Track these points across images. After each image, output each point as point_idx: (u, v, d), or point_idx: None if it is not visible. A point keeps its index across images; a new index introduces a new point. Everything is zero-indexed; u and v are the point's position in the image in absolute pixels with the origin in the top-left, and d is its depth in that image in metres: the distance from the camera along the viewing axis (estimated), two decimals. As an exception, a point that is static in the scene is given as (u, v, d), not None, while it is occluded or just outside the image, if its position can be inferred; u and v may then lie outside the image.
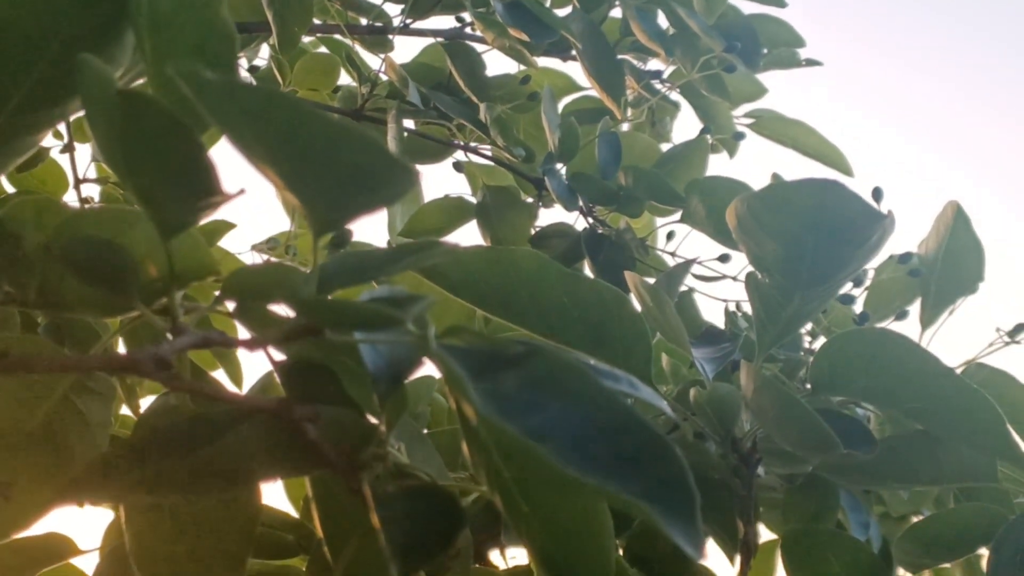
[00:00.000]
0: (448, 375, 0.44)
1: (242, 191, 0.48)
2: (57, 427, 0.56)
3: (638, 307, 0.78)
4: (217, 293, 0.53)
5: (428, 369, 1.25)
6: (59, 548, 0.85)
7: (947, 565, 1.00)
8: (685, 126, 1.42)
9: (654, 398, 0.49)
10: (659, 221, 1.25)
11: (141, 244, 0.52)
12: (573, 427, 0.41)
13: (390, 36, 1.26)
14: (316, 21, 1.25)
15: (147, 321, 0.53)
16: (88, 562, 0.91)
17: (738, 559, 0.88)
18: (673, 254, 1.21)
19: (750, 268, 0.77)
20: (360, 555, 0.56)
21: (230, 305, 0.54)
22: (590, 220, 1.18)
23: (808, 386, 0.82)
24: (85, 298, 0.52)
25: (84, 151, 1.19)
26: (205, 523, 0.55)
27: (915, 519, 1.11)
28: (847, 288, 1.09)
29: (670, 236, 1.26)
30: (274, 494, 1.20)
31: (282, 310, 0.54)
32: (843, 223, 0.66)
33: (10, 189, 1.15)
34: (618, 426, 0.42)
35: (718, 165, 1.90)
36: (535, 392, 0.43)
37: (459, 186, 1.35)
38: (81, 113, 0.53)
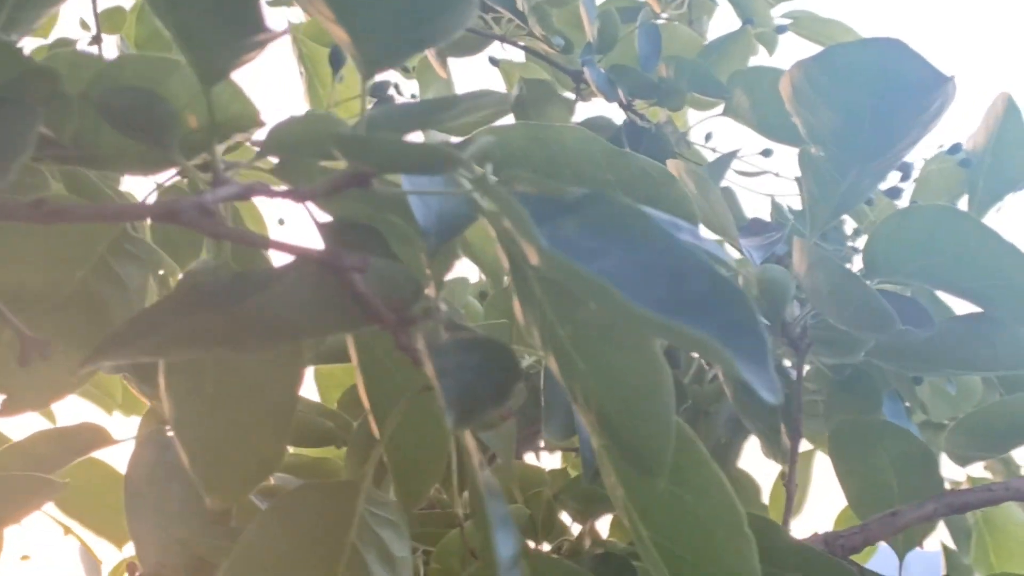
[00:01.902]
0: (510, 215, 0.41)
1: (287, 30, 0.46)
2: (94, 290, 0.54)
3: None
4: (258, 150, 0.51)
5: (463, 270, 1.23)
6: (93, 437, 0.84)
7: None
8: (721, 27, 1.38)
9: (716, 249, 0.46)
10: (700, 115, 1.22)
11: (181, 93, 0.49)
12: (637, 271, 0.39)
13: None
14: None
15: (188, 179, 0.51)
16: (122, 452, 0.90)
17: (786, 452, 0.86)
18: (714, 150, 1.18)
19: (793, 161, 0.74)
20: (406, 420, 0.54)
21: (273, 161, 0.52)
22: (630, 114, 1.15)
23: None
24: (123, 150, 0.50)
25: (111, 43, 1.17)
26: (247, 389, 0.53)
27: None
28: (894, 181, 1.06)
29: (708, 138, 1.23)
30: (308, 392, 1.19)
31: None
32: (906, 86, 0.63)
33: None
34: (684, 270, 0.40)
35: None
36: (597, 237, 0.41)
37: (495, 85, 1.32)
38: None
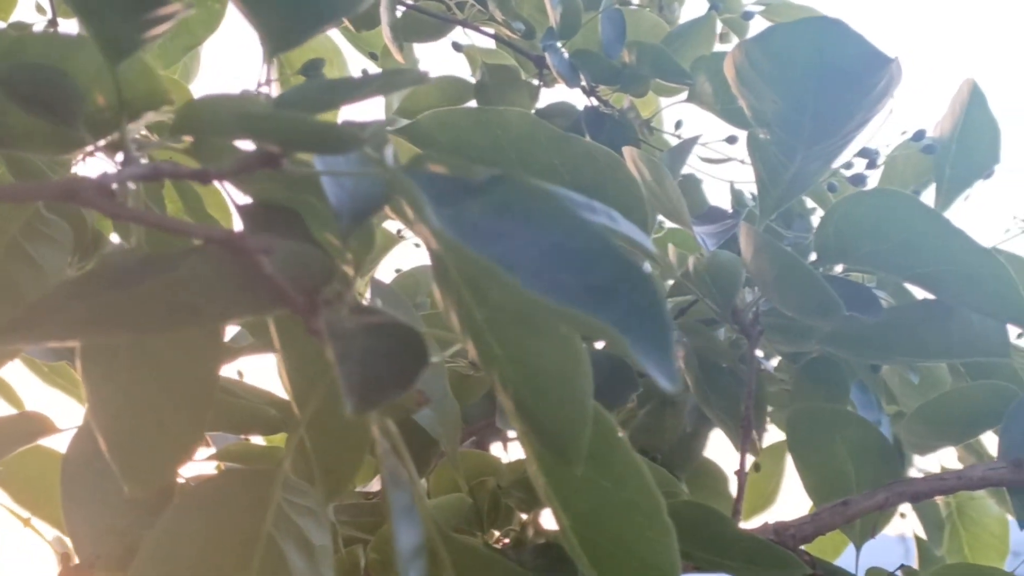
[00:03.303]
0: (405, 196, 0.40)
1: (191, 5, 0.44)
2: (7, 273, 0.52)
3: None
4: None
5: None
6: (35, 426, 0.83)
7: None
8: (693, 13, 1.37)
9: (636, 233, 0.45)
10: (664, 102, 1.21)
11: (88, 71, 0.48)
12: (542, 255, 0.38)
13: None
14: None
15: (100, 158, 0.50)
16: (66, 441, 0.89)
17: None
18: (679, 136, 1.17)
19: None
20: (328, 407, 0.53)
21: (187, 140, 0.51)
22: (593, 100, 1.14)
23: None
24: (31, 130, 0.49)
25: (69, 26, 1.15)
26: (163, 374, 0.52)
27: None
28: (860, 168, 1.05)
29: (678, 125, 1.22)
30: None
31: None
32: (847, 68, 0.62)
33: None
34: (591, 255, 0.39)
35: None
36: (501, 219, 0.40)
37: (458, 70, 1.31)
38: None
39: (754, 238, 0.68)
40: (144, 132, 0.55)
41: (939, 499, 1.15)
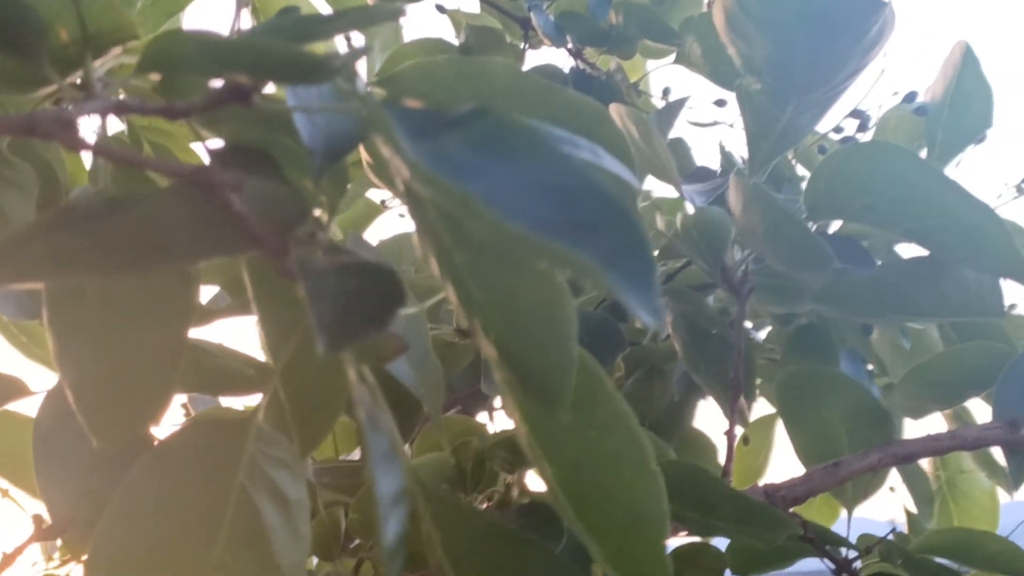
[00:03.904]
0: (380, 127, 0.38)
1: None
2: (-31, 220, 0.51)
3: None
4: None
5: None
6: (7, 389, 0.81)
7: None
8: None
9: (619, 168, 0.43)
10: (652, 64, 1.19)
11: (50, 3, 0.46)
12: (523, 191, 0.36)
13: None
14: None
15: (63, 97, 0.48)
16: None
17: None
18: (666, 99, 1.15)
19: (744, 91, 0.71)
20: (303, 356, 0.51)
21: (155, 78, 0.49)
22: (579, 62, 1.12)
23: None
24: (-9, 67, 0.47)
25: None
26: (132, 325, 0.50)
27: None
28: (851, 130, 1.03)
29: (666, 92, 1.20)
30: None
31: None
32: (839, 11, 0.60)
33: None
34: (573, 191, 0.37)
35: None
36: (480, 154, 0.38)
37: (443, 32, 1.29)
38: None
39: (744, 191, 0.67)
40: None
41: (930, 472, 1.14)
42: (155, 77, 0.48)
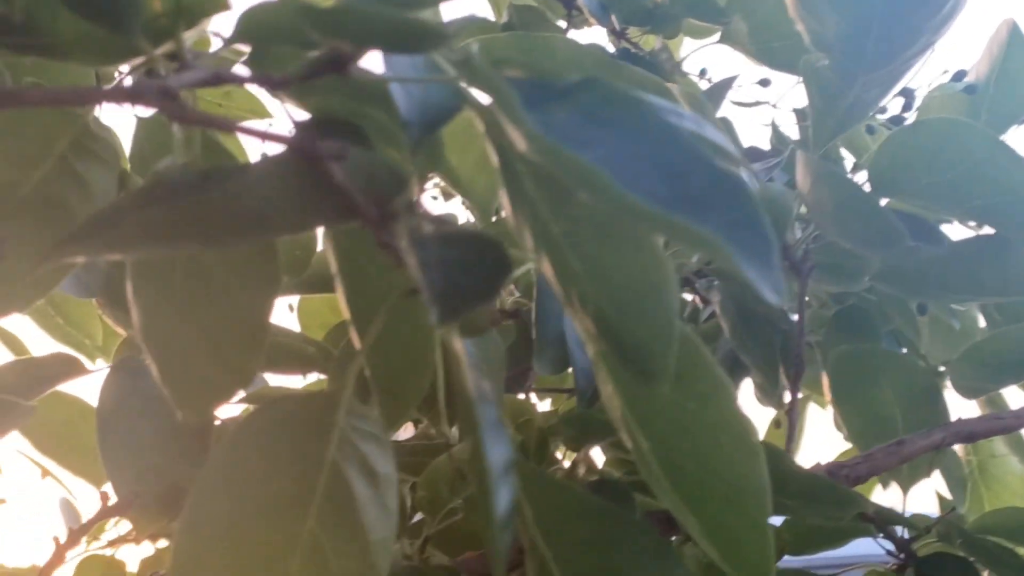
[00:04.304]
0: (497, 98, 0.38)
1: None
2: (55, 192, 0.50)
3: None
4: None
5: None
6: (66, 367, 0.81)
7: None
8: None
9: (720, 138, 0.43)
10: (697, 44, 1.18)
11: (143, -26, 0.46)
12: (632, 164, 0.36)
13: None
14: None
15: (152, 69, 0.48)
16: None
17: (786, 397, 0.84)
18: (709, 80, 1.15)
19: (792, 90, 0.71)
20: (388, 330, 0.51)
21: (245, 49, 0.48)
22: (623, 42, 1.12)
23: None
24: (84, 37, 0.46)
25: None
26: (219, 297, 0.50)
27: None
28: (896, 110, 1.03)
29: (703, 73, 1.20)
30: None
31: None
32: (917, -13, 0.60)
33: None
34: (684, 163, 0.37)
35: None
36: (590, 125, 0.38)
37: (483, 12, 1.28)
38: None
39: (813, 167, 0.66)
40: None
41: (961, 456, 1.14)
42: (245, 48, 0.48)
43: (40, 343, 1.30)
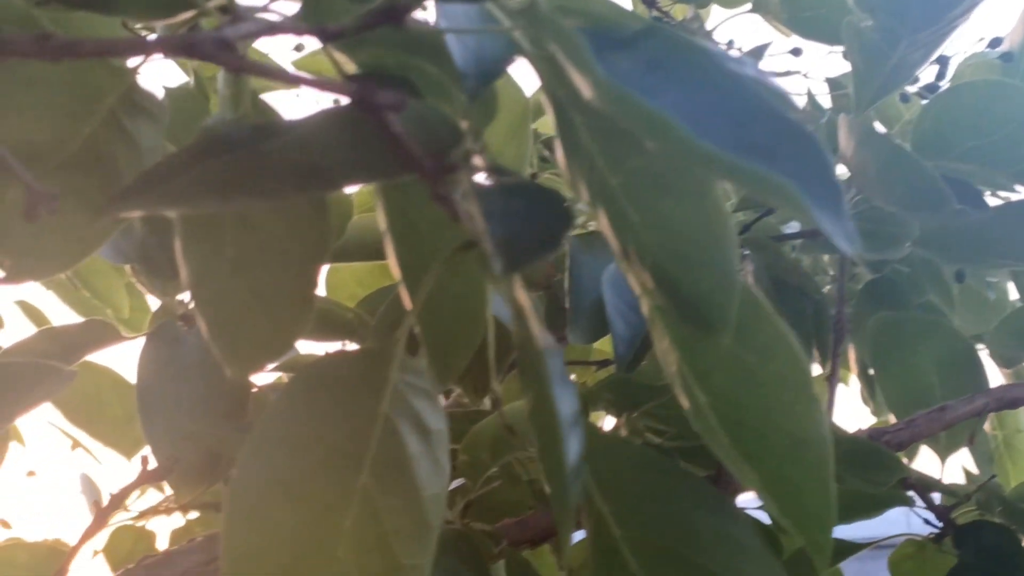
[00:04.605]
0: (564, 46, 0.37)
1: None
2: (103, 148, 0.50)
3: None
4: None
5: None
6: (101, 333, 0.80)
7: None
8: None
9: (783, 90, 0.42)
10: (726, 14, 1.18)
11: (194, -75, 0.45)
12: (697, 113, 0.35)
13: None
14: None
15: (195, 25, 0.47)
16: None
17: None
18: (739, 51, 1.14)
19: (823, 60, 0.70)
20: (439, 287, 0.51)
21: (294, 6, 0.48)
22: (653, 11, 1.11)
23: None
24: (136, -10, 0.46)
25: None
26: (270, 252, 0.50)
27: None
28: (929, 78, 1.02)
29: (730, 45, 1.19)
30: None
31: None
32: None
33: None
34: (749, 113, 0.36)
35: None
36: (653, 74, 0.37)
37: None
38: None
39: (857, 129, 0.66)
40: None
41: (988, 430, 1.13)
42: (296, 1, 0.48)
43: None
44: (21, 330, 1.48)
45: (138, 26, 0.90)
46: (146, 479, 0.67)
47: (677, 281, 0.43)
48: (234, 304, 0.50)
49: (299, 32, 0.43)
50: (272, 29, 0.43)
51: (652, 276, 0.44)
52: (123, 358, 0.95)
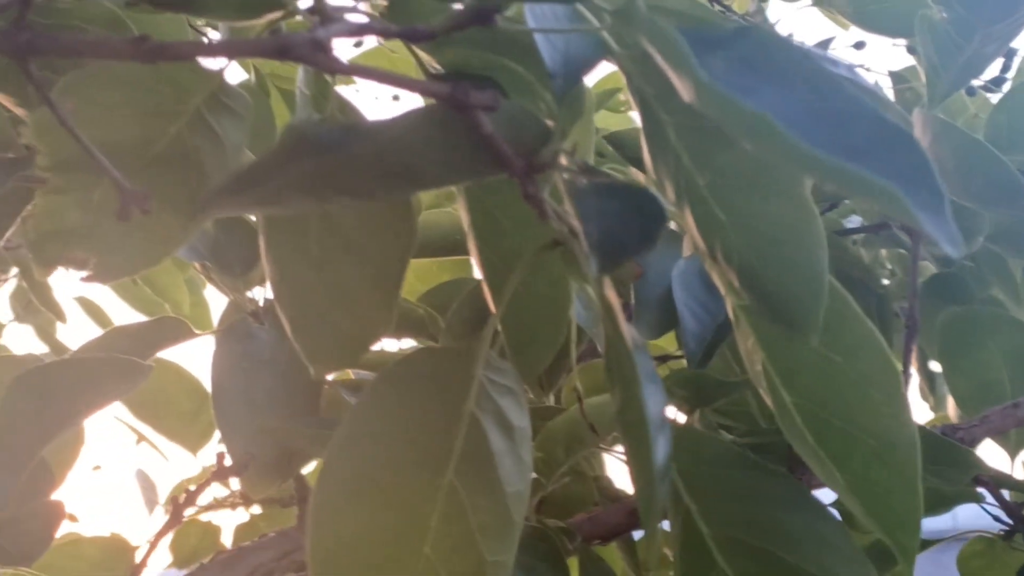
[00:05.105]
0: (663, 47, 0.37)
1: None
2: (189, 147, 0.50)
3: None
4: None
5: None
6: (174, 330, 0.81)
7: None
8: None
9: (879, 90, 0.42)
10: (788, 8, 1.17)
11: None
12: (794, 115, 0.35)
13: None
14: None
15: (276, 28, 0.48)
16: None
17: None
18: (802, 43, 1.13)
19: (887, 54, 0.70)
20: (522, 285, 0.51)
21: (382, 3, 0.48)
22: (715, 5, 1.11)
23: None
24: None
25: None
26: (354, 250, 0.50)
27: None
28: (994, 72, 1.01)
29: (790, 38, 1.18)
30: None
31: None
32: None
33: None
34: (847, 113, 0.36)
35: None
36: (748, 74, 0.37)
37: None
38: None
39: (932, 124, 0.65)
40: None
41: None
42: (382, 2, 0.48)
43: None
44: (82, 327, 1.50)
45: (200, 23, 0.91)
46: (221, 475, 0.67)
47: (764, 280, 0.43)
48: (318, 302, 0.50)
49: (388, 34, 0.44)
50: (362, 30, 0.44)
51: (739, 275, 0.44)
52: (185, 355, 0.96)
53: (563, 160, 0.44)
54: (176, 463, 1.13)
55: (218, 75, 0.50)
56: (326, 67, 0.41)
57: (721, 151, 0.43)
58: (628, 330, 0.41)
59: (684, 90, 0.36)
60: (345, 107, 0.52)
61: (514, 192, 0.43)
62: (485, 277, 0.51)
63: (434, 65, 0.50)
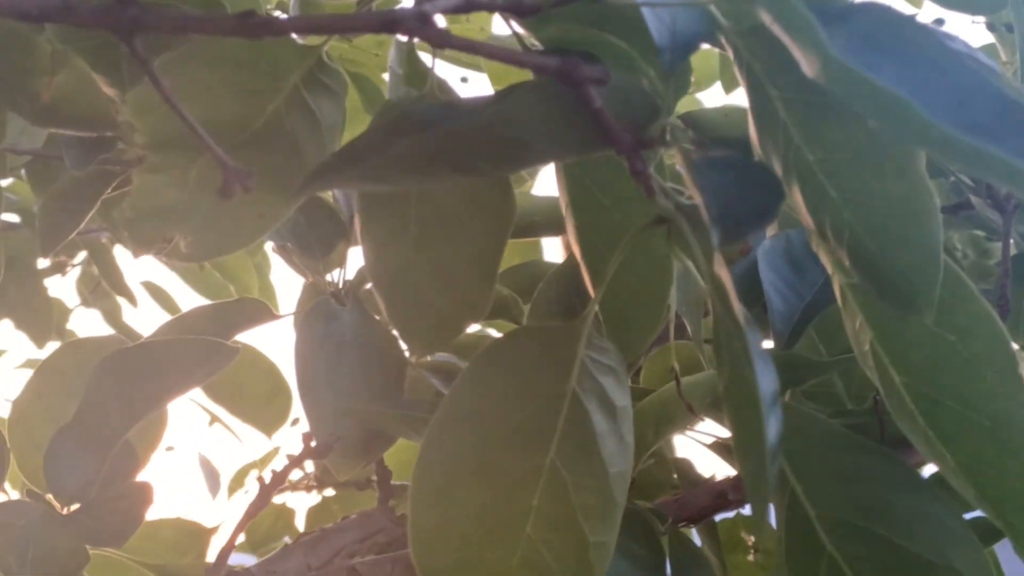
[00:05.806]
0: (790, 21, 0.37)
1: None
2: (286, 125, 0.50)
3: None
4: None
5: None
6: (254, 311, 0.81)
7: None
8: None
9: (996, 65, 0.41)
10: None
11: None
12: (916, 91, 0.34)
13: None
14: None
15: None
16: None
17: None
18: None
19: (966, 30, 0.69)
20: (622, 266, 0.50)
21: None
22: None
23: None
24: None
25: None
26: (452, 229, 0.50)
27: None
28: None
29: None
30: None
31: None
32: None
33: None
34: (968, 91, 0.35)
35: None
36: (870, 50, 0.37)
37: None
38: None
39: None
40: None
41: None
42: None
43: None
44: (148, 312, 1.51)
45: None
46: (308, 456, 0.67)
47: (876, 258, 0.42)
48: (416, 281, 0.50)
49: (493, 8, 0.43)
50: (468, 5, 0.43)
51: (849, 253, 0.43)
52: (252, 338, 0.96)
53: (677, 135, 0.43)
54: (231, 447, 1.14)
55: (315, 51, 0.50)
56: (435, 40, 0.41)
57: (833, 127, 0.42)
58: (739, 307, 0.40)
59: (808, 64, 0.36)
60: (442, 85, 0.52)
61: (613, 169, 0.42)
62: (583, 256, 0.51)
63: (533, 41, 0.49)
